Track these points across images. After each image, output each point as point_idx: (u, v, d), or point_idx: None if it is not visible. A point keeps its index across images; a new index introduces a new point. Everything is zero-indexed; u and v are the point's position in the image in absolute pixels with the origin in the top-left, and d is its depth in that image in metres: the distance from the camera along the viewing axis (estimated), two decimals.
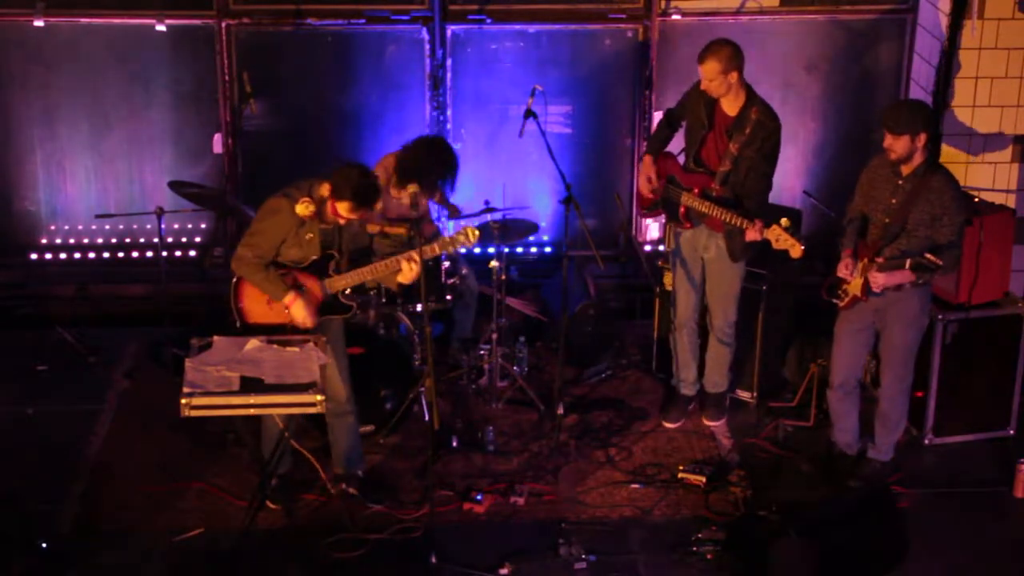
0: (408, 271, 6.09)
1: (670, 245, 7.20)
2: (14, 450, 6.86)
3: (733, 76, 6.58)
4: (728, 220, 6.63)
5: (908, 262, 6.11)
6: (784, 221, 6.44)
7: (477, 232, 6.27)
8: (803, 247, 6.40)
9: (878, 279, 6.23)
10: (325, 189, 6.05)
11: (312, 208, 6.02)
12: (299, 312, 6.14)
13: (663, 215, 7.14)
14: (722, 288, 6.99)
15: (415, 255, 6.06)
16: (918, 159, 6.24)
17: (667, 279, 7.36)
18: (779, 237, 6.44)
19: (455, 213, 7.75)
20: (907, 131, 6.15)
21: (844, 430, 6.79)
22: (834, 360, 6.69)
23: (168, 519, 6.34)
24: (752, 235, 6.56)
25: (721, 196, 6.71)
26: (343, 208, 6.00)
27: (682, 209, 6.85)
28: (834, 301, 6.52)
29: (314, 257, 6.17)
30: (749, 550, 6.08)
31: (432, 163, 7.27)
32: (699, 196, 6.75)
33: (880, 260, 6.24)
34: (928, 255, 6.07)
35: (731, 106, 6.70)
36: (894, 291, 6.34)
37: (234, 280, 6.25)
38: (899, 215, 6.27)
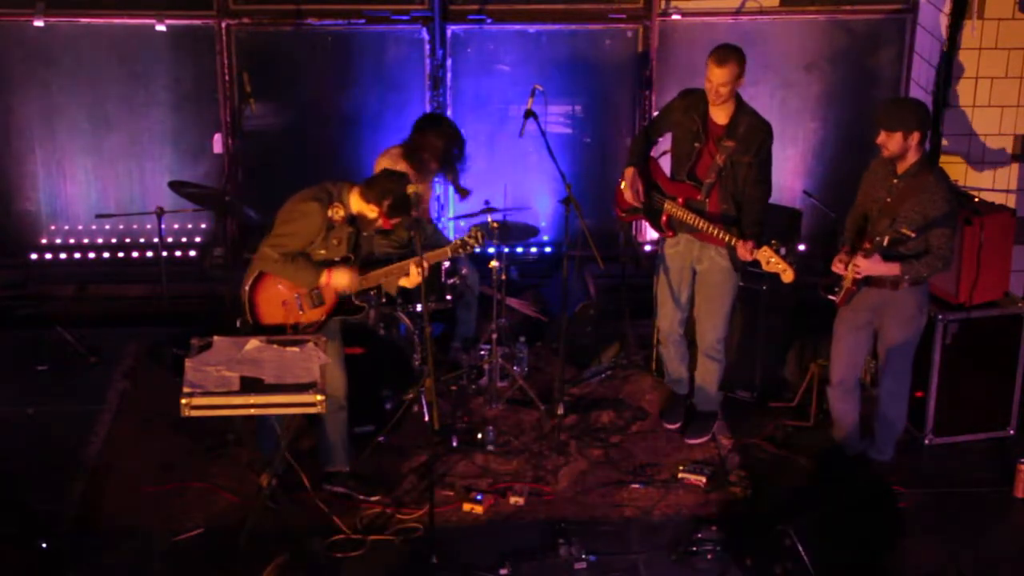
0: (415, 276, 6.18)
1: (662, 251, 7.03)
2: (14, 450, 6.86)
3: (741, 82, 6.50)
4: (717, 234, 6.56)
5: (899, 266, 6.19)
6: (775, 243, 6.39)
7: (483, 233, 6.37)
8: (794, 271, 6.36)
9: (860, 264, 6.24)
10: (355, 194, 6.12)
11: (343, 213, 6.08)
12: (343, 280, 6.18)
13: (643, 220, 7.05)
14: (714, 302, 6.88)
15: (425, 262, 6.12)
16: (912, 158, 6.24)
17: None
18: (770, 260, 6.39)
19: (464, 193, 7.73)
20: (900, 128, 6.16)
21: (844, 429, 6.79)
22: (833, 358, 6.70)
23: (168, 519, 6.33)
24: (742, 254, 6.50)
25: (707, 209, 6.60)
26: (396, 220, 6.16)
27: (664, 217, 6.78)
28: (830, 297, 6.52)
29: (337, 259, 6.20)
30: (749, 550, 6.08)
31: (442, 139, 7.35)
32: (683, 206, 6.69)
33: (867, 246, 6.23)
34: (915, 261, 6.17)
35: (722, 115, 6.59)
36: (890, 290, 6.35)
37: (248, 284, 6.23)
38: (893, 212, 6.27)
